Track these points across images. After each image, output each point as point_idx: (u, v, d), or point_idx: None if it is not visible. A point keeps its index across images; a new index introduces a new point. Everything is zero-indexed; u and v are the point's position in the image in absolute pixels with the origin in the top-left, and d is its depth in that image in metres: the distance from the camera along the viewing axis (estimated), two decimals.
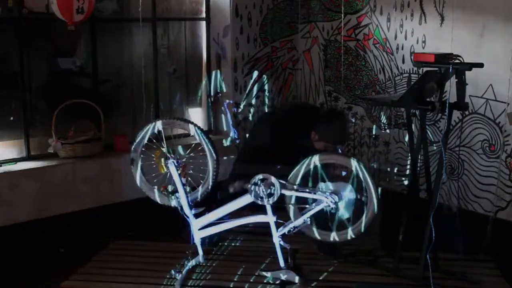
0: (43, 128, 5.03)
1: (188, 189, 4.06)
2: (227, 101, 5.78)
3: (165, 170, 4.01)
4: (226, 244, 4.74)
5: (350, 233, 3.74)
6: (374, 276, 4.21)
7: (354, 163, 3.69)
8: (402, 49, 5.19)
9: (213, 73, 5.86)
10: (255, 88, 5.91)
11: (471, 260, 4.34)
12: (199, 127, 3.97)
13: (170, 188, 4.04)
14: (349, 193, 3.72)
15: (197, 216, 4.05)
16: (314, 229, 3.84)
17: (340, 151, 4.47)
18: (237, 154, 5.06)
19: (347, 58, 5.70)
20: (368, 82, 5.56)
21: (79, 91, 5.31)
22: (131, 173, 4.14)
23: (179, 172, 3.99)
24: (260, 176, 3.81)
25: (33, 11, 4.93)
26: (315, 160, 3.76)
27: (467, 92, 3.91)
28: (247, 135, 5.47)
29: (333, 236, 3.81)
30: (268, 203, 3.82)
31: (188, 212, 4.02)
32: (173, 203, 4.05)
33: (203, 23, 5.89)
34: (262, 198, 3.81)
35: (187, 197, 4.01)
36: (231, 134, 5.72)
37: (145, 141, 4.05)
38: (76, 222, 4.88)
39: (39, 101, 5.21)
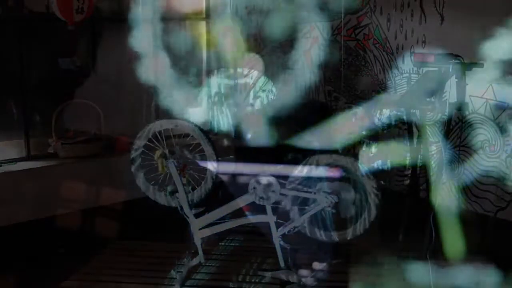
0: (43, 128, 5.03)
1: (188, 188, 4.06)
2: (227, 101, 5.78)
3: (165, 170, 4.01)
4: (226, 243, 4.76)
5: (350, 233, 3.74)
6: (374, 276, 4.21)
7: (353, 163, 3.69)
8: (402, 49, 5.19)
9: (213, 73, 5.86)
10: (255, 88, 5.91)
11: (471, 260, 4.34)
12: (199, 127, 3.97)
13: (170, 188, 4.04)
14: (348, 193, 3.71)
15: (197, 216, 4.05)
16: (317, 230, 3.85)
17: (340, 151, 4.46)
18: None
19: (347, 58, 5.70)
20: (368, 82, 5.56)
21: (79, 91, 5.31)
22: (131, 173, 4.14)
23: (179, 172, 3.99)
24: (260, 177, 3.81)
25: (33, 11, 4.93)
26: (315, 160, 3.76)
27: (467, 92, 3.91)
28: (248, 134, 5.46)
29: (334, 236, 3.82)
30: (268, 203, 3.82)
31: (188, 212, 4.01)
32: (173, 203, 4.05)
33: (203, 23, 5.89)
34: (262, 198, 3.81)
35: (187, 197, 4.01)
36: (232, 134, 5.71)
37: (146, 141, 4.05)
38: (76, 222, 4.87)
39: (39, 101, 5.21)
